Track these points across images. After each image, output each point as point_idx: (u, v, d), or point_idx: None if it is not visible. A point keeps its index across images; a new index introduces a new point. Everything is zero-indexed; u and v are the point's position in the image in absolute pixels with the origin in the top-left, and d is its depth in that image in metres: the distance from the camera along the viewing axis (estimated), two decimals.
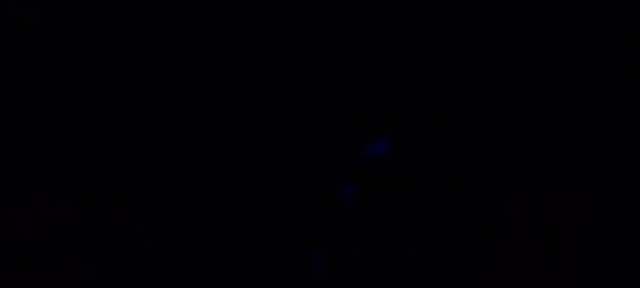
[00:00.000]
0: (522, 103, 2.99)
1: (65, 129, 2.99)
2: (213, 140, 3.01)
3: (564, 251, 2.79)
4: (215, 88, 3.03)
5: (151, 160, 2.98)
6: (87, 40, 3.02)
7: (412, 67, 3.03)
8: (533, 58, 3.00)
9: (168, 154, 2.99)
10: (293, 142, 3.01)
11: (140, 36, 3.02)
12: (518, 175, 2.94)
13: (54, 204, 2.88)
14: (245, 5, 3.04)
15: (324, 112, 3.03)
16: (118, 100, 3.01)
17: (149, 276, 2.77)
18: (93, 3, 3.01)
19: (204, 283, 2.78)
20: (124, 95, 3.01)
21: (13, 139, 2.96)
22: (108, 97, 3.01)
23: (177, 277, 2.77)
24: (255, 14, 3.04)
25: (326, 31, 3.04)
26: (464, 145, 2.99)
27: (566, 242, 2.80)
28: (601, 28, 2.98)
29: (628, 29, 2.97)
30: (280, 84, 3.04)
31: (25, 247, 2.79)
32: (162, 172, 2.97)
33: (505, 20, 3.01)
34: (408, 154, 2.99)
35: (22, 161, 2.95)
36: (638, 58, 2.97)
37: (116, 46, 3.02)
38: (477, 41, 3.02)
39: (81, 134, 2.99)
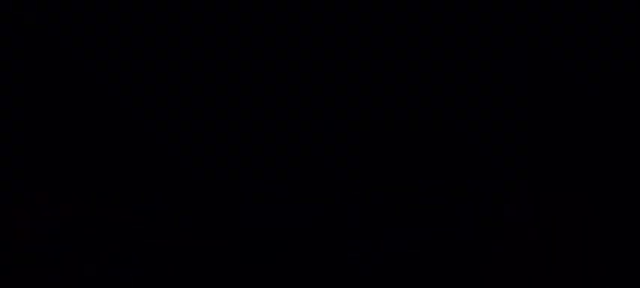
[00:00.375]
0: (522, 103, 2.99)
1: (65, 129, 2.99)
2: (213, 140, 3.00)
3: (564, 251, 2.79)
4: (215, 88, 3.03)
5: (151, 160, 2.98)
6: (87, 40, 3.02)
7: (412, 68, 3.03)
8: (533, 58, 3.00)
9: (168, 154, 2.99)
10: (293, 142, 3.01)
11: (140, 36, 3.02)
12: (518, 175, 2.94)
13: (54, 204, 2.88)
14: (245, 5, 3.04)
15: (324, 112, 3.03)
16: (118, 100, 3.01)
17: (149, 276, 2.77)
18: (93, 3, 3.01)
19: (204, 283, 2.78)
20: (124, 95, 3.01)
21: (13, 139, 2.96)
22: (108, 97, 3.01)
23: (177, 277, 2.77)
24: (255, 14, 3.04)
25: (326, 30, 3.03)
26: (464, 145, 2.99)
27: (566, 242, 2.80)
28: (601, 28, 2.98)
29: (628, 29, 2.97)
30: (280, 84, 3.04)
31: (25, 247, 2.79)
32: (162, 172, 2.97)
33: (505, 20, 3.00)
34: (407, 154, 2.99)
35: (22, 161, 2.95)
36: (638, 58, 2.97)
37: (116, 46, 3.02)
38: (477, 41, 3.02)
39: (81, 134, 2.99)
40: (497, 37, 3.01)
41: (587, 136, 2.95)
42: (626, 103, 2.96)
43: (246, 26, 3.04)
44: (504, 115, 2.99)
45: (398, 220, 2.89)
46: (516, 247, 2.80)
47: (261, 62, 3.04)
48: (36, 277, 2.74)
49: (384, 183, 2.96)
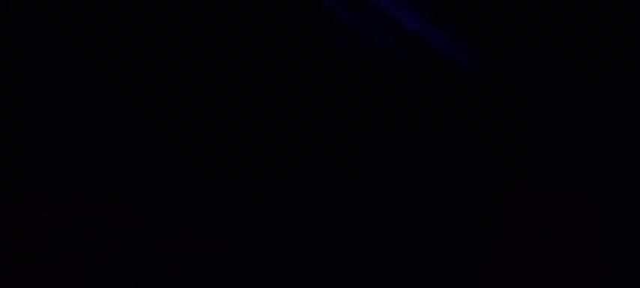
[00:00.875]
0: (522, 103, 2.99)
1: (65, 129, 2.99)
2: (213, 140, 3.01)
3: (564, 251, 2.79)
4: (215, 88, 3.03)
5: (151, 160, 2.99)
6: (87, 40, 3.02)
7: (412, 68, 3.03)
8: (533, 58, 3.00)
9: (168, 154, 2.99)
10: (293, 142, 3.01)
11: (140, 36, 3.02)
12: (518, 175, 2.94)
13: (54, 204, 2.88)
14: (245, 5, 3.04)
15: (324, 112, 3.03)
16: (118, 100, 3.01)
17: (149, 276, 2.77)
18: (93, 3, 3.01)
19: (204, 283, 2.78)
20: (124, 95, 3.01)
21: (13, 139, 2.96)
22: (108, 97, 3.01)
23: (177, 277, 2.77)
24: (255, 14, 3.04)
25: (326, 30, 3.03)
26: (464, 145, 2.99)
27: (566, 242, 2.80)
28: (601, 28, 2.98)
29: (628, 29, 2.97)
30: (280, 84, 3.04)
31: (25, 247, 2.79)
32: (162, 172, 2.97)
33: (505, 20, 3.01)
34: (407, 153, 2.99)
35: (22, 161, 2.95)
36: (638, 58, 2.97)
37: (116, 46, 3.02)
38: (477, 41, 3.02)
39: (81, 134, 2.99)
40: (497, 37, 3.01)
41: (587, 137, 2.95)
42: (626, 103, 2.96)
43: (246, 26, 3.04)
44: (504, 115, 2.99)
45: (398, 220, 2.89)
46: (516, 247, 2.80)
47: (261, 62, 3.04)
48: (36, 277, 2.74)
49: (384, 183, 2.96)
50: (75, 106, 3.00)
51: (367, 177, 2.98)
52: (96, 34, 3.01)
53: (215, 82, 3.03)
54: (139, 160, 2.98)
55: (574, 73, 2.99)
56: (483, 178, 2.94)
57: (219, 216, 2.91)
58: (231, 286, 2.78)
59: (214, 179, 2.98)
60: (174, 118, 3.01)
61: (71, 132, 2.99)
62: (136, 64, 3.02)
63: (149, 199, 2.94)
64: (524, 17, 3.00)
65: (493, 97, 3.00)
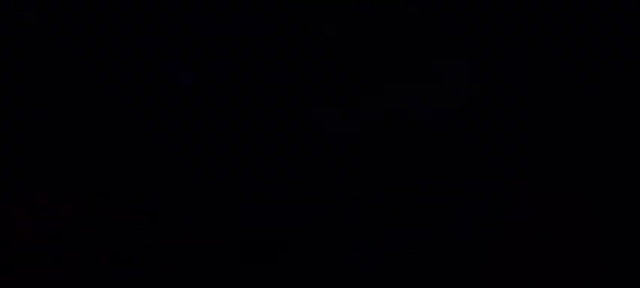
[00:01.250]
0: (522, 103, 2.99)
1: (65, 129, 2.99)
2: (213, 140, 3.00)
3: (564, 251, 2.79)
4: (215, 88, 3.03)
5: (151, 159, 2.98)
6: (87, 40, 3.02)
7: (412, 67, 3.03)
8: (533, 58, 3.00)
9: (168, 154, 2.99)
10: (293, 142, 3.01)
11: (140, 36, 3.02)
12: (518, 175, 2.94)
13: (54, 204, 2.88)
14: (245, 6, 3.04)
15: (324, 111, 3.03)
16: (118, 100, 3.01)
17: (149, 276, 2.77)
18: (93, 3, 3.01)
19: (204, 283, 2.78)
20: (124, 95, 3.01)
21: (13, 139, 2.96)
22: (108, 97, 3.01)
23: (177, 277, 2.77)
24: (255, 15, 3.04)
25: (326, 29, 3.03)
26: (464, 145, 2.99)
27: (566, 242, 2.80)
28: (601, 28, 2.98)
29: (628, 29, 2.97)
30: (280, 83, 3.04)
31: (25, 247, 2.79)
32: (162, 172, 2.97)
33: (505, 20, 3.01)
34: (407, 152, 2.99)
35: (22, 161, 2.95)
36: (638, 58, 2.97)
37: (116, 46, 3.02)
38: (477, 40, 3.02)
39: (80, 134, 2.99)
40: (497, 37, 3.01)
41: (587, 136, 2.95)
42: (626, 103, 2.96)
43: (246, 26, 3.04)
44: (504, 115, 2.99)
45: (398, 220, 2.89)
46: (516, 247, 2.80)
47: (261, 62, 3.04)
48: (36, 277, 2.74)
49: (384, 183, 2.96)
50: (75, 106, 3.00)
51: (367, 177, 2.98)
52: (96, 34, 3.01)
53: (215, 82, 3.03)
54: (139, 161, 2.98)
55: (574, 73, 2.99)
56: (483, 178, 2.94)
57: (219, 216, 2.91)
58: (231, 286, 2.78)
59: (214, 179, 2.98)
60: (174, 118, 3.01)
61: (71, 132, 2.99)
62: (136, 64, 3.02)
63: (149, 199, 2.94)
64: (525, 18, 3.00)
65: (493, 97, 3.00)
